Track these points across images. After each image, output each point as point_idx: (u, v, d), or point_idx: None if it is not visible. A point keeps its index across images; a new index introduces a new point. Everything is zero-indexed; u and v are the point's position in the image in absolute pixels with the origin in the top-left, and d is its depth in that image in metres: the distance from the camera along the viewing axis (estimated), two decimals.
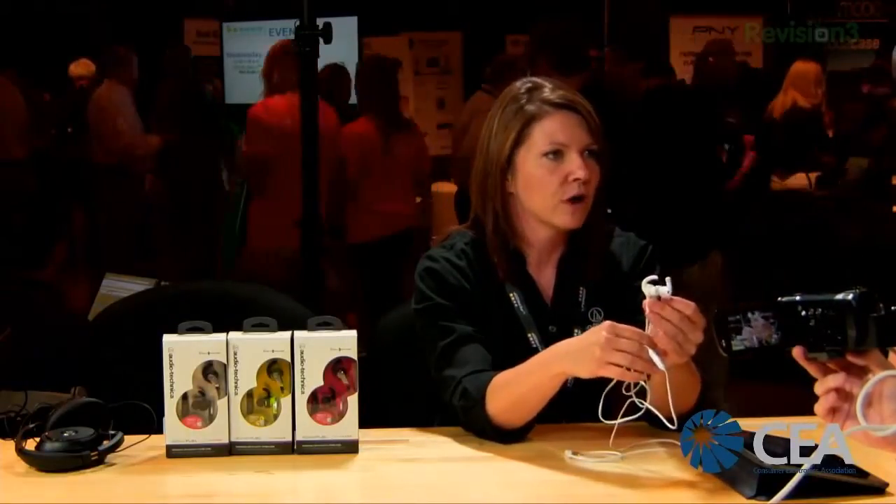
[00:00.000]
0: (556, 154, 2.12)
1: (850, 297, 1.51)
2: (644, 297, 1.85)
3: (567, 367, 1.94)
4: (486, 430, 2.04)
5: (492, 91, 6.23)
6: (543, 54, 4.27)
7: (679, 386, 1.97)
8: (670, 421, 1.85)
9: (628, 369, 1.84)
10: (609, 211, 2.23)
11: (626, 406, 1.90)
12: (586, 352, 1.88)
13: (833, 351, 1.54)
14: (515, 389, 2.00)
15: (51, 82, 8.96)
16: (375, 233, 5.22)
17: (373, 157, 5.19)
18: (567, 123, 2.13)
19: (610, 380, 1.89)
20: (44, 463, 1.89)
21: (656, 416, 1.88)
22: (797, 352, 1.56)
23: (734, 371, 4.33)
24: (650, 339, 1.85)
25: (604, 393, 1.91)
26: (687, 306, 1.84)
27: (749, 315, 1.60)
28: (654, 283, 1.85)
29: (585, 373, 1.90)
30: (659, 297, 1.84)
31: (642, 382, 1.88)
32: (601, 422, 1.93)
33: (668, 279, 1.85)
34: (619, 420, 1.92)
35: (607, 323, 1.87)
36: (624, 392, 1.90)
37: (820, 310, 1.53)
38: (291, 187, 4.02)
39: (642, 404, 1.89)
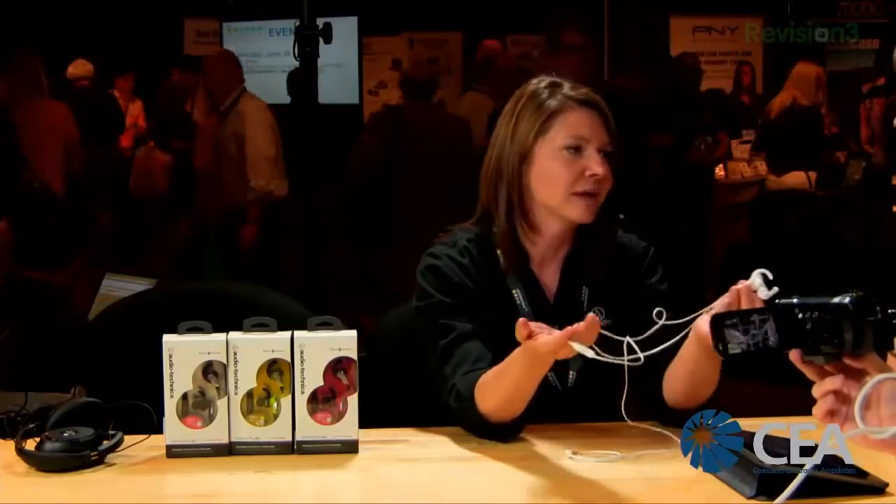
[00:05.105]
0: (576, 149, 2.13)
1: (847, 300, 1.51)
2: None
3: (536, 358, 1.91)
4: (481, 427, 2.04)
5: (482, 89, 6.30)
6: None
7: (699, 377, 1.99)
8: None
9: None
10: (622, 216, 2.24)
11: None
12: (537, 354, 1.86)
13: (830, 354, 1.54)
14: (501, 386, 1.99)
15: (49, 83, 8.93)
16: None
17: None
18: (589, 120, 2.14)
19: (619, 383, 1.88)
20: (44, 463, 1.89)
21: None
22: (794, 355, 1.56)
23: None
24: (568, 333, 1.80)
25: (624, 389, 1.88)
26: None
27: (746, 317, 1.60)
28: (766, 279, 1.85)
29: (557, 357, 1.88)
30: (755, 291, 1.84)
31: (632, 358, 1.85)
32: (602, 421, 1.93)
33: (776, 288, 1.84)
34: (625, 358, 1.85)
35: (519, 321, 1.86)
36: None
37: (817, 313, 1.53)
38: None
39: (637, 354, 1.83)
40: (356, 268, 5.87)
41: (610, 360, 1.82)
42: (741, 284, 1.86)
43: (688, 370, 1.99)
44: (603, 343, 1.86)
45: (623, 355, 1.83)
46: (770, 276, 1.86)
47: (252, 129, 5.59)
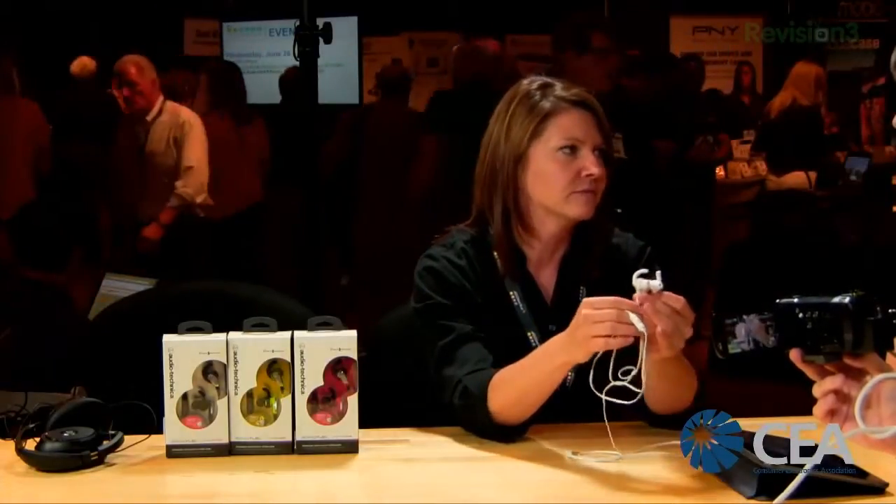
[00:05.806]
0: (572, 149, 2.13)
1: (847, 300, 1.51)
2: (636, 291, 1.87)
3: (565, 356, 1.95)
4: (487, 428, 2.04)
5: None
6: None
7: (674, 380, 1.99)
8: (639, 389, 1.86)
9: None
10: (619, 211, 2.24)
11: (609, 386, 1.88)
12: (575, 335, 1.90)
13: (830, 354, 1.54)
14: (518, 385, 2.00)
15: (49, 83, 8.94)
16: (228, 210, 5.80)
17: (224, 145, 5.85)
18: (583, 121, 2.14)
19: (603, 352, 1.89)
20: (44, 463, 1.89)
21: (637, 395, 1.88)
22: (794, 354, 1.56)
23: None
24: (629, 304, 1.86)
25: (593, 364, 1.89)
26: (677, 300, 1.86)
27: (746, 317, 1.60)
28: (644, 276, 1.86)
29: (581, 356, 1.91)
30: (650, 291, 1.85)
31: (633, 368, 1.87)
32: (601, 420, 1.93)
33: (658, 273, 1.86)
34: (605, 397, 1.88)
35: (584, 300, 1.90)
36: (620, 376, 1.88)
37: (817, 313, 1.53)
38: None
39: (633, 388, 1.86)
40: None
41: (616, 400, 1.87)
42: (637, 302, 1.86)
43: (656, 375, 1.96)
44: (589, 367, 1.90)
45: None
46: (646, 271, 1.87)
47: (195, 138, 5.50)
